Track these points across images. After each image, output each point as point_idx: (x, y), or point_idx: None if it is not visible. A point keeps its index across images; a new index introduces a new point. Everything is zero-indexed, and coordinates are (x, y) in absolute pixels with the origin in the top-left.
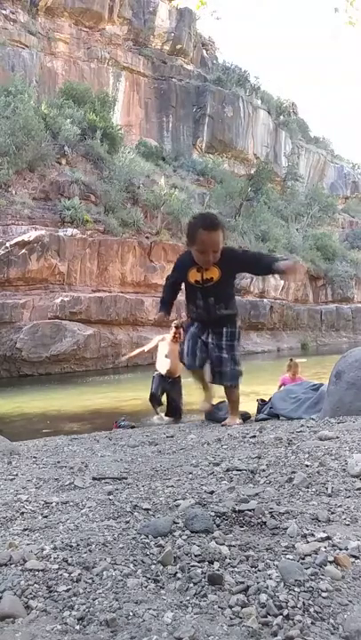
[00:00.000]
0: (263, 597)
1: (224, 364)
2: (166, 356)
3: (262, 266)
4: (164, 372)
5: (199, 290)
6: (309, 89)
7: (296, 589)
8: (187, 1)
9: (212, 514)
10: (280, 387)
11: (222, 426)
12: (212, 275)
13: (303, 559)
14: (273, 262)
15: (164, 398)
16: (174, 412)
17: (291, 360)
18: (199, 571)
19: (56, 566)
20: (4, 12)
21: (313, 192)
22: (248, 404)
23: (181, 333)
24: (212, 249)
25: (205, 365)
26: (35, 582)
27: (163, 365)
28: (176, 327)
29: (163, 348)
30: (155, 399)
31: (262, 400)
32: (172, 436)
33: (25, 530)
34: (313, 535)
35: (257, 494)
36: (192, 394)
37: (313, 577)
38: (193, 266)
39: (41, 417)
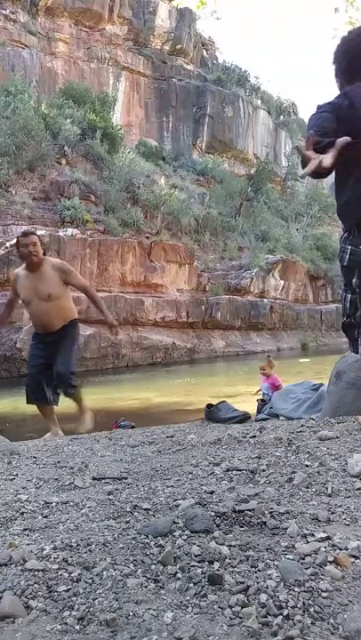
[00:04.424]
0: (263, 597)
1: None
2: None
3: None
4: (37, 327)
5: None
6: (309, 89)
7: (296, 589)
8: (187, 1)
9: (212, 514)
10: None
11: None
12: None
13: (303, 559)
14: None
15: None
16: (61, 382)
17: (268, 357)
18: (199, 571)
19: (56, 566)
20: (3, 12)
21: (313, 192)
22: (248, 404)
23: (37, 255)
24: None
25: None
26: (35, 582)
27: (32, 315)
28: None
29: (22, 283)
30: (33, 392)
31: (262, 400)
32: (171, 436)
33: (25, 530)
34: (313, 535)
35: (257, 494)
36: (193, 392)
37: (313, 577)
38: None
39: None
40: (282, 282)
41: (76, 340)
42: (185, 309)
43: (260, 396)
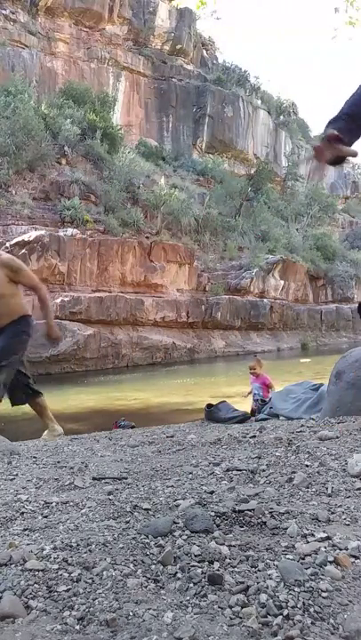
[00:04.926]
0: (263, 597)
1: None
2: None
3: None
4: None
5: None
6: (309, 89)
7: (296, 589)
8: (187, 1)
9: (212, 514)
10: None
11: None
12: None
13: (303, 559)
14: None
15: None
16: (23, 392)
17: (255, 356)
18: (199, 571)
19: (56, 566)
20: (3, 12)
21: (313, 192)
22: (248, 405)
23: None
24: None
25: None
26: (35, 582)
27: None
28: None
29: None
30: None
31: (262, 400)
32: (172, 436)
33: (25, 530)
34: (313, 535)
35: (257, 494)
36: (193, 392)
37: (313, 577)
38: None
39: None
40: (282, 282)
41: (16, 336)
42: (185, 309)
43: (252, 398)
